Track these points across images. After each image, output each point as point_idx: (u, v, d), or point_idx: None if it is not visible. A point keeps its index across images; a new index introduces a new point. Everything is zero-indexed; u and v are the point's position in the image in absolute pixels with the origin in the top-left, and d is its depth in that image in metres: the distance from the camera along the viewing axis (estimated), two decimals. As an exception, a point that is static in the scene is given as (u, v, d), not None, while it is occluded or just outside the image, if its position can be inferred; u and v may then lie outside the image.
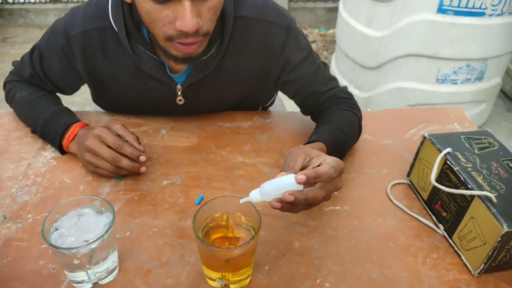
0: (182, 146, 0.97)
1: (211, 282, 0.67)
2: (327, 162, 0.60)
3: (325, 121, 0.89)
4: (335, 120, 0.87)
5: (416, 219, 0.80)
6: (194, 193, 0.84)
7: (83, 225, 0.65)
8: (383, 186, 0.87)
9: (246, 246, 0.60)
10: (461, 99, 2.23)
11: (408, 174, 0.88)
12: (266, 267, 0.71)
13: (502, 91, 2.71)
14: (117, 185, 0.86)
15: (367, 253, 0.73)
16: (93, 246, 0.61)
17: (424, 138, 0.82)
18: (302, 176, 0.57)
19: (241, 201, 0.63)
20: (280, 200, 0.59)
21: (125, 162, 0.83)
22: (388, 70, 2.19)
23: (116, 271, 0.69)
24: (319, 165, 0.62)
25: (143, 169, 0.86)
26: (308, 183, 0.57)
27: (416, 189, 0.85)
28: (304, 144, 0.81)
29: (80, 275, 0.65)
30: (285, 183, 0.57)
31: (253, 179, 0.88)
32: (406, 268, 0.71)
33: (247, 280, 0.68)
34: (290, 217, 0.79)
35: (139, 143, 0.87)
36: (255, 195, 0.61)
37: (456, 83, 2.15)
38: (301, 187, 0.57)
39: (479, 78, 2.17)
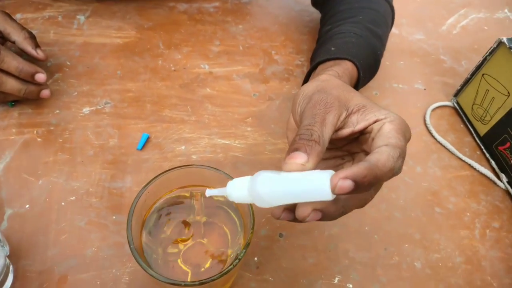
0: (112, 45, 0.61)
1: (169, 296, 0.42)
2: (386, 137, 0.30)
3: (344, 14, 0.53)
4: (361, 14, 0.52)
5: (469, 165, 0.55)
6: (135, 130, 0.53)
7: None
8: (419, 111, 0.59)
9: (226, 275, 0.33)
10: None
11: (456, 94, 0.60)
12: (255, 259, 0.45)
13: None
14: (6, 117, 0.53)
15: (405, 226, 0.49)
16: None
17: (500, 43, 0.52)
18: (346, 184, 0.26)
19: (208, 193, 0.33)
20: (291, 211, 0.30)
21: (10, 85, 0.48)
22: None
23: (8, 281, 0.41)
24: (362, 131, 0.32)
25: (45, 93, 0.52)
26: (357, 191, 0.27)
27: (466, 117, 0.58)
28: (316, 62, 0.47)
29: None
30: (308, 189, 0.27)
31: (227, 103, 0.57)
32: (460, 248, 0.48)
33: (227, 292, 0.43)
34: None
35: (36, 46, 0.52)
36: (237, 191, 0.30)
37: None
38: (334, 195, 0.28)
39: None
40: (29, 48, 0.51)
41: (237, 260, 0.33)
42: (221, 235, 0.40)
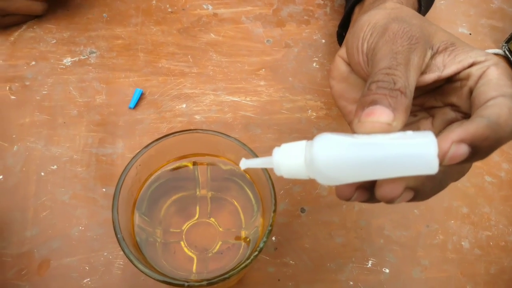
0: (96, -17, 0.51)
1: (171, 284, 0.35)
2: (498, 85, 0.21)
3: None
4: None
5: (524, 125, 0.46)
6: (126, 84, 0.45)
7: None
8: (464, 61, 0.50)
9: (238, 273, 0.26)
10: None
11: (508, 40, 0.50)
12: (273, 239, 0.38)
13: None
14: (-30, 70, 0.44)
15: (450, 198, 0.41)
16: None
17: None
18: (462, 150, 0.18)
19: (244, 164, 0.24)
20: (366, 189, 0.22)
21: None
22: None
23: (-22, 267, 0.35)
24: (451, 78, 0.24)
25: None
26: (472, 160, 0.20)
27: (522, 67, 0.49)
28: None
29: None
30: (401, 159, 0.18)
31: (236, 52, 0.48)
32: (513, 223, 0.41)
33: (234, 282, 0.36)
34: (310, 128, 0.43)
35: None
36: (290, 162, 0.21)
37: None
38: (437, 166, 0.19)
39: None
40: None
41: (256, 253, 0.26)
42: (232, 213, 0.33)
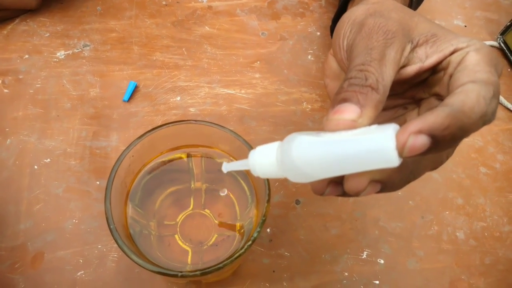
0: (90, -25, 0.51)
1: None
2: (473, 71, 0.20)
3: None
4: None
5: (519, 117, 0.46)
6: (120, 77, 0.44)
7: None
8: (459, 53, 0.50)
9: (232, 263, 0.26)
10: None
11: (503, 32, 0.50)
12: (268, 230, 0.38)
13: None
14: (-37, 63, 0.44)
15: (445, 189, 0.41)
16: None
17: None
18: (420, 140, 0.18)
19: (226, 168, 0.25)
20: (339, 183, 0.22)
21: None
22: None
23: (-28, 260, 0.35)
24: (434, 68, 0.23)
25: None
26: (435, 151, 0.19)
27: (517, 58, 0.49)
28: None
29: None
30: (362, 154, 0.18)
31: (230, 45, 0.47)
32: (508, 214, 0.41)
33: (228, 273, 0.36)
34: (305, 121, 0.43)
35: None
36: (263, 163, 0.22)
37: None
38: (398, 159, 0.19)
39: None
40: None
41: (249, 242, 0.26)
42: (227, 205, 0.33)
